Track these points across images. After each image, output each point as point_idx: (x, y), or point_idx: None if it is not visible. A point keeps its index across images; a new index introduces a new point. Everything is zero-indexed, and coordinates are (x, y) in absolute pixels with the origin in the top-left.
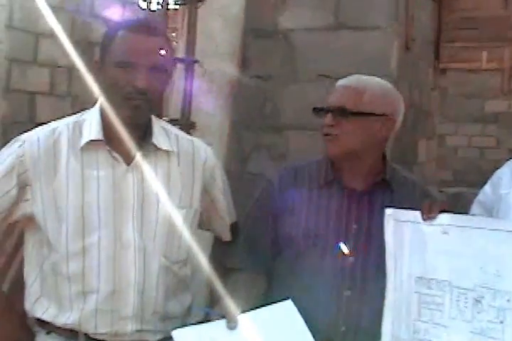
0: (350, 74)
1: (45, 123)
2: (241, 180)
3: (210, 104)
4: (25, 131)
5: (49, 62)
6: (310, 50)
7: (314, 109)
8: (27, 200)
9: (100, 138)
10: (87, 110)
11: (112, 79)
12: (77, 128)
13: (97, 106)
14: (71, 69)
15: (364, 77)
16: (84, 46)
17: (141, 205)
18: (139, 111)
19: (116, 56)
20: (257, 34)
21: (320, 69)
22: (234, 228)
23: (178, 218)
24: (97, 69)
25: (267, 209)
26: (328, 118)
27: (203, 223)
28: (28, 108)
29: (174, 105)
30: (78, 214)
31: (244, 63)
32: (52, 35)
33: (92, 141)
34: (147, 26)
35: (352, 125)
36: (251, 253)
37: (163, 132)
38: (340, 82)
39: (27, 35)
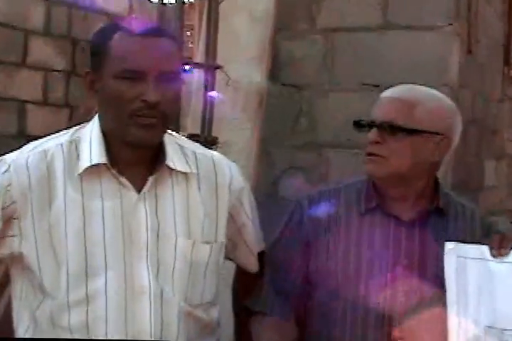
0: (401, 83)
1: (39, 138)
2: (271, 207)
3: (234, 117)
4: (14, 149)
5: (41, 65)
6: (353, 54)
7: (356, 123)
8: (13, 236)
9: (104, 162)
10: (82, 125)
11: (114, 93)
12: (73, 149)
13: (96, 120)
14: (69, 74)
15: (416, 87)
16: (83, 45)
17: (156, 241)
18: (152, 131)
19: (117, 65)
20: (290, 34)
21: (364, 77)
22: (262, 257)
23: (201, 255)
24: (91, 82)
25: (296, 240)
26: (373, 135)
27: (226, 252)
28: (16, 120)
29: (193, 118)
30: (80, 253)
31: (274, 69)
32: (45, 33)
33: (93, 165)
34: (148, 25)
35: (401, 144)
36: (278, 295)
37: (178, 150)
38: (388, 93)
39: (14, 32)
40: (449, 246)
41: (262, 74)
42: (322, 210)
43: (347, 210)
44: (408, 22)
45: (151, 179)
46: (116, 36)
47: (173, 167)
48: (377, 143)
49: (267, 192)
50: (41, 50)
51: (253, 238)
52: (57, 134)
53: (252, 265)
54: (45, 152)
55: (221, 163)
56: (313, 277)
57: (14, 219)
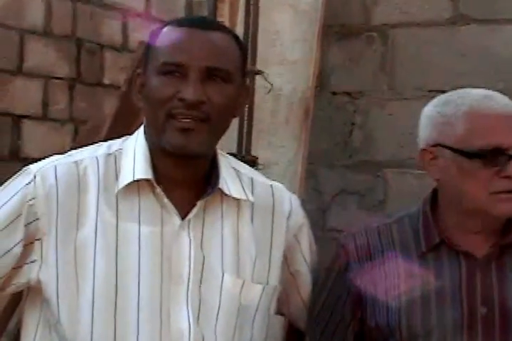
0: (475, 88)
1: (37, 161)
2: (319, 240)
3: (276, 131)
4: (6, 176)
5: (41, 72)
6: (416, 54)
7: (493, 152)
8: (33, 262)
9: (148, 178)
10: (125, 137)
11: (153, 91)
12: (111, 162)
13: (141, 131)
14: (73, 82)
15: None
16: (91, 47)
17: (199, 277)
18: (191, 137)
19: (159, 58)
20: (342, 33)
21: (430, 82)
22: None
23: (251, 297)
24: (140, 85)
25: (341, 294)
26: None
27: (278, 302)
28: (9, 139)
29: (227, 133)
30: (109, 287)
31: (323, 74)
32: (44, 33)
33: (135, 181)
34: (203, 19)
35: None
36: None
37: (233, 173)
38: (499, 109)
39: (7, 32)
40: None
41: (308, 80)
42: (372, 254)
43: (403, 250)
44: (485, 15)
45: (199, 203)
46: (165, 29)
47: (226, 191)
48: None
49: (313, 222)
50: (40, 54)
51: (310, 288)
52: (91, 146)
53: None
54: (76, 164)
55: (281, 194)
56: (368, 337)
57: (36, 240)
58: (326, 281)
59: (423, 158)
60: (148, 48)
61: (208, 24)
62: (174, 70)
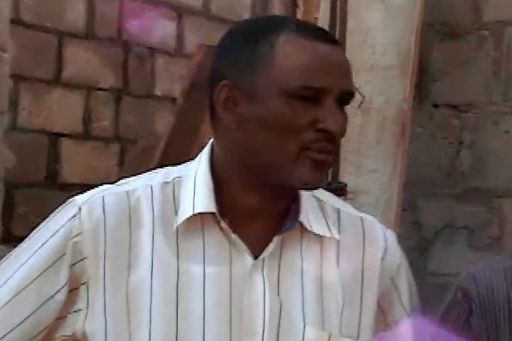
0: None
1: (78, 187)
2: (420, 286)
3: (366, 153)
4: (42, 204)
5: (81, 82)
6: None
7: None
8: (78, 311)
9: (211, 211)
10: (185, 164)
11: (281, 117)
12: (169, 192)
13: (204, 156)
14: (119, 94)
15: None
16: (140, 52)
17: (276, 329)
18: (323, 171)
19: (292, 79)
20: (445, 32)
21: None
22: None
23: None
24: (228, 99)
25: None
26: None
27: None
28: (45, 161)
29: None
30: (169, 337)
31: (423, 83)
32: (86, 36)
33: (197, 214)
34: (321, 29)
35: None
36: None
37: (315, 203)
38: None
39: (44, 35)
40: None
41: (405, 91)
42: (499, 299)
43: None
44: None
45: (275, 240)
46: (284, 38)
47: (307, 226)
48: None
49: (410, 263)
50: (81, 60)
51: None
52: (145, 174)
53: None
54: (128, 194)
55: (373, 228)
56: None
57: (82, 284)
58: (440, 333)
59: None
60: (250, 55)
61: (332, 37)
62: (313, 96)
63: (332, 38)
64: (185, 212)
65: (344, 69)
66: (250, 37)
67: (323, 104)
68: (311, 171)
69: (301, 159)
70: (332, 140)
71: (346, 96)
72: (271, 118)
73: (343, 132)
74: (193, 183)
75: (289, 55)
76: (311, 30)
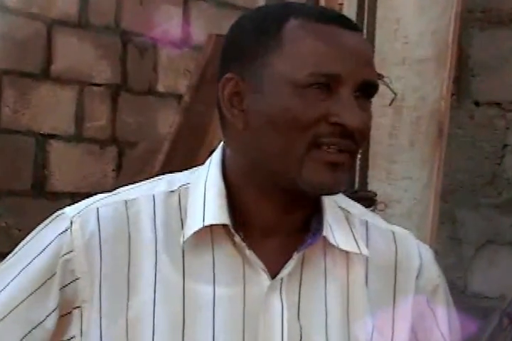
0: None
1: (68, 196)
2: (460, 309)
3: (398, 157)
4: (29, 216)
5: (74, 76)
6: None
7: None
8: (71, 339)
9: (224, 223)
10: (192, 169)
11: (288, 109)
12: (174, 203)
13: (215, 159)
14: (117, 90)
15: None
16: (141, 44)
17: None
18: (338, 173)
19: (302, 66)
20: (488, 20)
21: None
22: None
23: None
24: (234, 94)
25: None
26: None
27: None
28: (31, 167)
29: None
30: None
31: (462, 78)
32: (79, 24)
33: (206, 227)
34: (341, 14)
35: None
36: None
37: (340, 214)
38: None
39: (32, 23)
40: None
41: (442, 87)
42: None
43: None
44: None
45: (296, 257)
46: (293, 23)
47: (332, 241)
48: None
49: (449, 282)
50: (73, 52)
51: None
52: (147, 181)
53: None
54: (126, 205)
55: (406, 243)
56: None
57: (75, 308)
58: None
59: None
60: (256, 44)
61: (351, 22)
62: (323, 84)
63: (351, 22)
64: (194, 224)
65: (364, 56)
66: (258, 25)
67: (338, 95)
68: (321, 172)
69: (309, 158)
70: (349, 136)
71: (368, 89)
72: (278, 113)
73: (363, 128)
74: (203, 192)
75: (298, 40)
76: (324, 14)
